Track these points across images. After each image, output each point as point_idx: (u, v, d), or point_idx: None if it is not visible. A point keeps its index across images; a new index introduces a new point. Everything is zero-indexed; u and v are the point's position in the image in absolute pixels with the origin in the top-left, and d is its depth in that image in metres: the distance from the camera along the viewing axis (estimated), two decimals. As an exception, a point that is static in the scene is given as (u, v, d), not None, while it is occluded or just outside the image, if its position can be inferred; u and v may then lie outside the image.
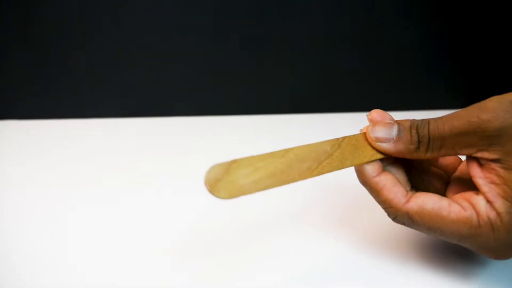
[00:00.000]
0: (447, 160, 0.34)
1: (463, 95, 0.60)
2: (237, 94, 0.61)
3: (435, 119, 0.30)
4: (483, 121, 0.28)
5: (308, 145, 0.30)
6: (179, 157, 0.51)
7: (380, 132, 0.31)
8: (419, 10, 0.56)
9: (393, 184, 0.30)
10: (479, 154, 0.28)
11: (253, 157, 0.27)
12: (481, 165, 0.29)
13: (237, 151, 0.51)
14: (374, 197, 0.31)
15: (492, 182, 0.28)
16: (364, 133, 0.32)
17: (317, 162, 0.29)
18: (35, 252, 0.37)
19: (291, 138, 0.54)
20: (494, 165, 0.28)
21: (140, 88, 0.61)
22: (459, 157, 0.34)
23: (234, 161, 0.27)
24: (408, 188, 0.32)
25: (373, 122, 0.31)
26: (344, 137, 0.31)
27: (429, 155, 0.30)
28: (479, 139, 0.28)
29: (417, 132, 0.30)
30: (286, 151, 0.28)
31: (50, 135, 0.57)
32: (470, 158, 0.29)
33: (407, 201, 0.30)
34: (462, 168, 0.34)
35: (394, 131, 0.30)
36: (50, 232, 0.39)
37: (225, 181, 0.26)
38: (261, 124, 0.58)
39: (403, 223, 0.30)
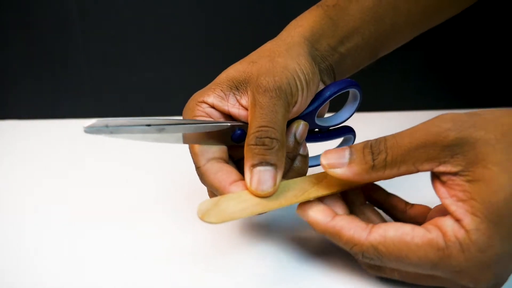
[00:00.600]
0: (415, 210, 0.32)
1: (463, 95, 0.60)
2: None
3: (393, 135, 0.28)
4: (444, 130, 0.27)
5: (294, 180, 0.32)
6: (179, 157, 0.51)
7: (331, 158, 0.29)
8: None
9: (349, 222, 0.29)
10: (441, 168, 0.27)
11: (240, 192, 0.30)
12: (444, 183, 0.27)
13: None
14: (337, 242, 0.29)
15: (459, 200, 0.26)
16: None
17: (303, 190, 0.31)
18: (35, 252, 0.37)
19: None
20: (458, 180, 0.27)
21: (140, 88, 0.61)
22: (427, 206, 0.32)
23: (222, 197, 0.29)
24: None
25: (325, 151, 0.30)
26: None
27: (388, 172, 0.28)
28: (440, 150, 0.27)
29: (371, 151, 0.29)
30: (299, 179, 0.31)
31: (50, 135, 0.57)
32: (434, 179, 0.28)
33: (369, 233, 0.28)
34: (432, 214, 0.31)
35: (346, 155, 0.29)
36: (50, 232, 0.39)
37: (215, 210, 0.28)
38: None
39: (371, 260, 0.28)
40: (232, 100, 0.33)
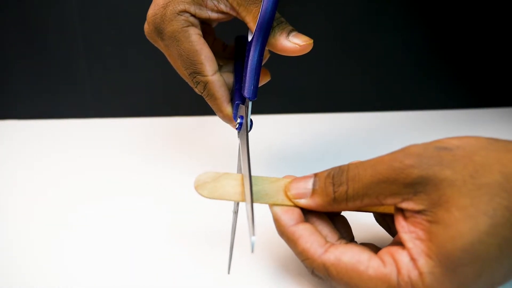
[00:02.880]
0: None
1: (463, 95, 0.60)
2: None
3: (356, 165, 0.27)
4: (406, 167, 0.25)
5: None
6: (179, 157, 0.51)
7: (295, 188, 0.29)
8: (420, 10, 0.56)
9: (310, 233, 0.28)
10: (404, 205, 0.26)
11: (242, 175, 0.30)
12: (406, 218, 0.26)
13: (236, 151, 0.51)
14: (292, 249, 0.29)
15: (418, 238, 0.25)
16: None
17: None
18: (35, 251, 0.37)
19: (291, 138, 0.54)
20: (420, 218, 0.25)
21: (140, 88, 0.61)
22: None
23: (224, 174, 0.30)
24: (335, 238, 0.29)
25: (290, 180, 0.30)
26: None
27: (351, 205, 0.28)
28: (402, 187, 0.26)
29: (332, 182, 0.28)
30: (277, 179, 0.31)
31: (50, 135, 0.57)
32: (396, 209, 0.27)
33: (325, 251, 0.27)
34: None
35: (309, 184, 0.29)
36: (50, 232, 0.39)
37: (212, 184, 0.29)
38: (261, 124, 0.58)
39: (321, 278, 0.28)
40: (210, 4, 0.33)
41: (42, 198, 0.44)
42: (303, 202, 0.29)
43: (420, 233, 0.25)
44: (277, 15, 0.33)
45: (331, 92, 0.60)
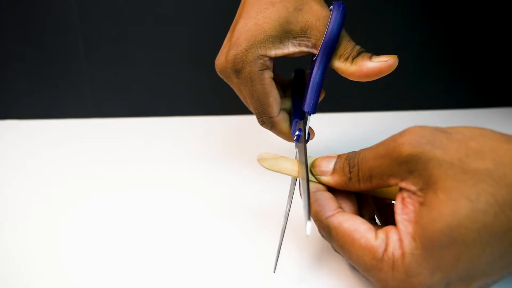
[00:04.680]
0: None
1: (464, 95, 0.60)
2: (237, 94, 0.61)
3: (364, 149, 0.29)
4: (398, 145, 0.26)
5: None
6: (179, 157, 0.51)
7: (319, 166, 0.32)
8: (421, 10, 0.56)
9: (325, 198, 0.30)
10: (403, 184, 0.27)
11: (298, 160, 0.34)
12: (404, 199, 0.27)
13: (237, 151, 0.52)
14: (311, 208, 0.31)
15: (408, 220, 0.26)
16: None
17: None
18: (35, 251, 0.37)
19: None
20: (413, 200, 0.26)
21: (140, 88, 0.61)
22: None
23: (283, 157, 0.34)
24: (366, 218, 0.31)
25: (316, 159, 0.32)
26: None
27: (363, 186, 0.29)
28: (397, 165, 0.26)
29: (348, 163, 0.30)
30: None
31: (50, 135, 0.57)
32: (399, 193, 0.28)
33: (332, 215, 0.29)
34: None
35: (332, 163, 0.31)
36: (50, 232, 0.39)
37: (272, 161, 0.33)
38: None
39: (323, 236, 0.30)
40: (291, 48, 0.36)
41: (42, 198, 0.44)
42: (325, 179, 0.31)
43: (411, 215, 0.26)
44: (358, 46, 0.36)
45: (331, 92, 0.60)
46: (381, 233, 0.27)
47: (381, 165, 0.27)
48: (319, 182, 0.32)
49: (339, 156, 0.31)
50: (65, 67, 0.60)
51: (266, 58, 0.36)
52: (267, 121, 0.39)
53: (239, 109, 0.61)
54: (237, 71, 0.36)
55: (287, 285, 0.33)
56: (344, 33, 0.36)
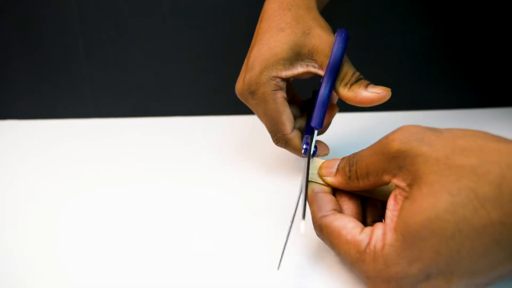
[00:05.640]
0: None
1: (464, 95, 0.60)
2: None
3: (362, 149, 0.30)
4: (388, 140, 0.27)
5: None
6: (179, 157, 0.51)
7: (325, 167, 0.33)
8: (421, 10, 0.56)
9: (323, 200, 0.32)
10: (395, 180, 0.27)
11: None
12: (395, 197, 0.28)
13: (237, 151, 0.51)
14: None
15: (394, 215, 0.27)
16: None
17: None
18: (35, 251, 0.37)
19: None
20: (401, 196, 0.27)
21: (140, 88, 0.61)
22: None
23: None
24: (356, 216, 0.32)
25: (324, 161, 0.34)
26: None
27: (361, 183, 0.30)
28: (388, 161, 0.27)
29: (348, 163, 0.31)
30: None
31: (50, 135, 0.57)
32: (393, 190, 0.28)
33: (325, 216, 0.31)
34: None
35: (336, 165, 0.33)
36: (50, 232, 0.39)
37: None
38: (261, 124, 0.58)
39: (318, 235, 0.32)
40: (300, 68, 0.39)
41: (42, 198, 0.44)
42: (329, 179, 0.33)
43: (397, 211, 0.27)
44: (357, 73, 0.39)
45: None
46: (367, 229, 0.29)
47: (375, 161, 0.29)
48: (326, 183, 0.33)
49: (342, 158, 0.33)
50: (65, 67, 0.60)
51: (279, 79, 0.39)
52: (281, 139, 0.41)
53: (239, 109, 0.61)
54: (252, 93, 0.40)
55: (291, 281, 0.33)
56: (345, 58, 0.39)
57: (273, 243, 0.37)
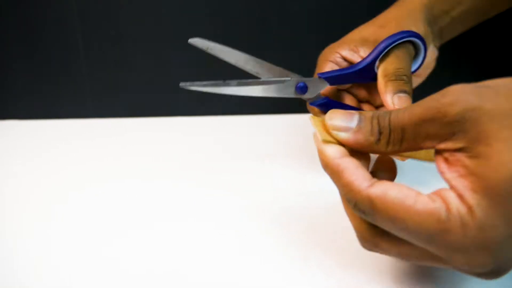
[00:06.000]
0: None
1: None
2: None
3: (396, 110, 0.27)
4: (443, 105, 0.25)
5: None
6: (179, 157, 0.51)
7: (338, 120, 0.28)
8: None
9: (355, 167, 0.27)
10: (442, 145, 0.25)
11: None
12: (446, 159, 0.26)
13: (237, 151, 0.52)
14: (335, 181, 0.28)
15: (460, 175, 0.25)
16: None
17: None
18: (34, 251, 0.37)
19: (292, 138, 0.54)
20: (459, 155, 0.25)
21: (140, 88, 0.61)
22: None
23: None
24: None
25: (332, 110, 0.29)
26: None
27: (390, 149, 0.27)
28: (440, 127, 0.25)
29: (378, 122, 0.27)
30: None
31: (50, 135, 0.57)
32: (437, 154, 0.26)
33: (371, 185, 0.26)
34: None
35: (354, 121, 0.28)
36: (50, 232, 0.39)
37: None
38: (261, 124, 0.58)
39: (363, 214, 0.27)
40: (361, 54, 0.40)
41: (42, 198, 0.44)
42: (343, 136, 0.28)
43: (462, 170, 0.25)
44: (406, 73, 0.37)
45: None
46: (433, 195, 0.25)
47: (418, 126, 0.26)
48: (333, 139, 0.28)
49: (361, 114, 0.28)
50: (65, 67, 0.60)
51: (338, 55, 0.40)
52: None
53: (240, 109, 0.61)
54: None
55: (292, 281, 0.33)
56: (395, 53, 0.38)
57: (273, 243, 0.37)
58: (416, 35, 0.38)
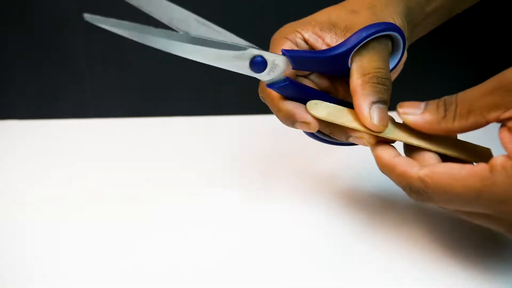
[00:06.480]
0: None
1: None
2: (237, 94, 0.61)
3: (465, 90, 0.29)
4: (505, 75, 0.26)
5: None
6: (179, 157, 0.51)
7: (407, 106, 0.31)
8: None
9: (406, 160, 0.30)
10: (507, 114, 0.26)
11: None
12: (510, 129, 0.27)
13: (236, 151, 0.51)
14: (392, 177, 0.31)
15: None
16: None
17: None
18: (35, 251, 0.37)
19: (292, 137, 0.54)
20: None
21: (140, 88, 0.61)
22: None
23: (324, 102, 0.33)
24: None
25: (401, 102, 0.31)
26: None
27: (457, 124, 0.28)
28: (503, 95, 0.26)
29: (444, 102, 0.29)
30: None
31: (50, 135, 0.57)
32: (501, 127, 0.28)
33: (420, 169, 0.29)
34: None
35: (421, 106, 0.30)
36: (49, 232, 0.39)
37: (319, 106, 0.32)
38: (261, 124, 0.58)
39: (418, 195, 0.29)
40: (328, 40, 0.34)
41: (42, 198, 0.44)
42: (412, 118, 0.30)
43: None
44: (387, 76, 0.34)
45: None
46: (480, 163, 0.27)
47: (484, 96, 0.27)
48: (404, 123, 0.31)
49: (428, 102, 0.30)
50: (65, 67, 0.60)
51: (299, 35, 0.35)
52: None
53: (240, 109, 0.61)
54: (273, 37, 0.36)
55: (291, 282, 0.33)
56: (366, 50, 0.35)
57: (274, 243, 0.37)
58: (398, 30, 0.33)
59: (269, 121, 0.59)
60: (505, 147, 0.27)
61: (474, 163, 0.29)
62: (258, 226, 0.39)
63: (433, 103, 0.30)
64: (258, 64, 0.31)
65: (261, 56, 0.31)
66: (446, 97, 0.29)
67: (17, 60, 0.59)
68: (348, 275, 0.33)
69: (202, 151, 0.52)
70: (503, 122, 0.27)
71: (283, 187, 0.44)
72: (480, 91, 0.28)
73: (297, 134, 0.54)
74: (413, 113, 0.30)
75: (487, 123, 0.28)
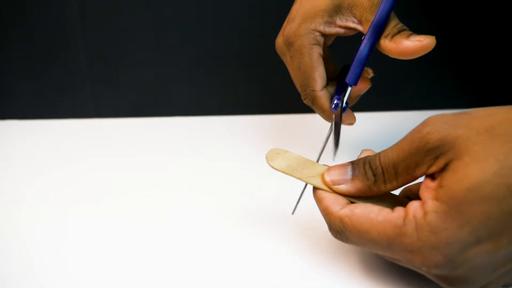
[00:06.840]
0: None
1: (463, 95, 0.60)
2: (237, 94, 0.61)
3: (384, 150, 0.30)
4: (424, 135, 0.27)
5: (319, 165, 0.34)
6: (178, 157, 0.51)
7: (334, 174, 0.31)
8: (420, 11, 0.56)
9: (334, 197, 0.31)
10: (430, 170, 0.27)
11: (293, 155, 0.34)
12: (433, 178, 0.28)
13: (236, 151, 0.52)
14: (318, 207, 0.32)
15: (430, 188, 0.27)
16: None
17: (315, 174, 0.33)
18: (34, 252, 0.37)
19: (292, 137, 0.54)
20: (437, 175, 0.27)
21: (140, 88, 0.61)
22: None
23: (286, 152, 0.34)
24: None
25: (328, 168, 0.32)
26: None
27: (389, 186, 0.30)
28: (424, 155, 0.27)
29: (370, 166, 0.30)
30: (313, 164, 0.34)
31: (50, 135, 0.57)
32: (426, 177, 0.29)
33: (342, 208, 0.30)
34: None
35: (348, 171, 0.31)
36: (50, 233, 0.39)
37: (280, 157, 0.34)
38: (261, 124, 0.58)
39: (337, 232, 0.30)
40: (338, 22, 0.39)
41: (41, 198, 0.44)
42: (344, 187, 0.31)
43: (433, 185, 0.27)
44: (400, 24, 0.37)
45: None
46: (398, 208, 0.28)
47: (406, 158, 0.28)
48: (334, 192, 0.31)
49: (352, 163, 0.31)
50: (65, 66, 0.60)
51: (317, 33, 0.39)
52: (309, 95, 0.41)
53: (240, 109, 0.61)
54: (290, 44, 0.40)
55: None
56: (393, 15, 0.37)
57: (275, 242, 0.37)
58: None
59: (270, 121, 0.59)
60: (421, 194, 0.28)
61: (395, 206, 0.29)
62: (259, 226, 0.39)
63: (359, 168, 0.30)
64: (336, 106, 0.40)
65: (339, 97, 0.40)
66: (370, 159, 0.30)
67: (17, 60, 0.59)
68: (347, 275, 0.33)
69: (202, 151, 0.52)
70: (430, 176, 0.28)
71: (285, 185, 0.44)
72: (402, 153, 0.28)
73: (299, 134, 0.55)
74: (342, 181, 0.31)
75: (415, 178, 0.29)
